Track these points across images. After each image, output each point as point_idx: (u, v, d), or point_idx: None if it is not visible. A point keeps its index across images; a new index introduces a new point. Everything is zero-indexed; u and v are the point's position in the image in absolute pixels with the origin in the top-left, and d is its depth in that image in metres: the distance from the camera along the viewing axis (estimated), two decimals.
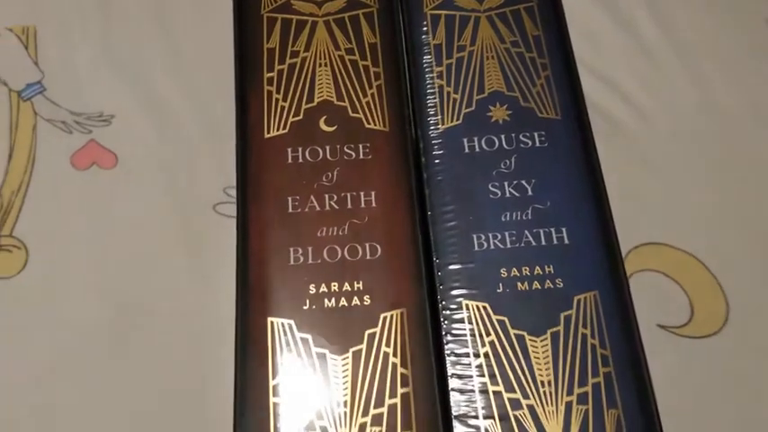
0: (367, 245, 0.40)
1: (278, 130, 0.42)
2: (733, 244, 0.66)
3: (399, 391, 0.36)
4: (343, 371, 0.37)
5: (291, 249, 0.39)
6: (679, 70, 0.71)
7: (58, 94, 0.69)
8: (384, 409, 0.36)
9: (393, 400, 0.36)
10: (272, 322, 0.38)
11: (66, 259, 0.61)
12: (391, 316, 0.38)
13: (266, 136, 0.42)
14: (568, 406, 0.36)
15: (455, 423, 0.36)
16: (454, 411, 0.36)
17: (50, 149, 0.66)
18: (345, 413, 0.36)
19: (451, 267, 0.40)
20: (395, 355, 0.37)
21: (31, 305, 0.60)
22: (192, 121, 0.67)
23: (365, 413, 0.36)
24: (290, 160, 0.41)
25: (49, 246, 0.62)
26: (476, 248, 0.40)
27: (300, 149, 0.41)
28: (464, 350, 0.38)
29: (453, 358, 0.37)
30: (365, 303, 0.38)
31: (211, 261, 0.60)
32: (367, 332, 0.38)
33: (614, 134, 0.69)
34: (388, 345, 0.37)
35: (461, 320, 0.39)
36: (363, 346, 0.37)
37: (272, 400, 0.36)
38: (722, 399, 0.60)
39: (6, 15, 0.72)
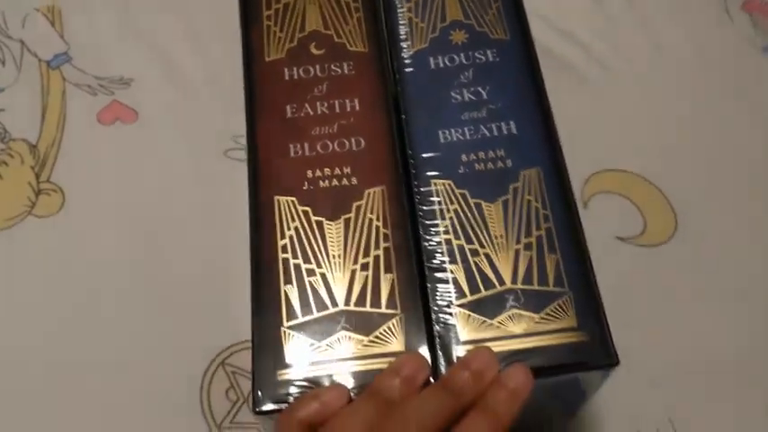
0: (353, 139, 0.49)
1: (276, 54, 0.52)
2: (679, 164, 0.76)
3: (382, 245, 0.46)
4: (337, 233, 0.47)
5: (291, 145, 0.49)
6: (628, 16, 0.81)
7: (83, 62, 0.78)
8: (370, 259, 0.46)
9: (377, 252, 0.46)
10: (278, 200, 0.48)
11: (97, 200, 0.70)
12: (374, 192, 0.48)
13: (267, 60, 0.52)
14: (516, 252, 0.46)
15: (426, 268, 0.46)
16: (425, 259, 0.46)
17: (78, 109, 0.75)
18: (339, 263, 0.46)
19: (423, 156, 0.50)
20: (377, 219, 0.47)
21: (69, 238, 0.69)
22: (204, 82, 0.77)
23: (355, 262, 0.46)
24: (286, 78, 0.51)
25: (81, 189, 0.71)
26: (441, 141, 0.50)
27: (295, 69, 0.52)
28: (433, 216, 0.48)
29: (426, 222, 0.47)
30: (353, 183, 0.48)
31: (224, 199, 0.69)
32: (355, 204, 0.48)
33: (566, 72, 0.79)
34: (371, 213, 0.47)
35: (431, 194, 0.48)
36: (352, 215, 0.47)
37: (280, 255, 0.46)
38: (674, 300, 0.68)
39: None
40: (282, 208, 0.48)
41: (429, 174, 0.49)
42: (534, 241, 0.47)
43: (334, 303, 0.45)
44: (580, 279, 0.45)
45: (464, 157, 0.49)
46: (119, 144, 0.74)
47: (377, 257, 0.46)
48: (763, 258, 0.70)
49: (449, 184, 0.48)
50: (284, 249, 0.46)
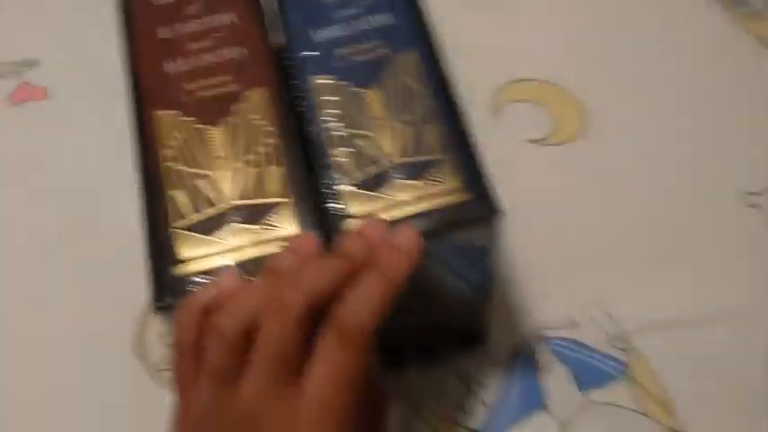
0: (229, 49, 0.50)
1: None
2: (588, 66, 0.79)
3: (266, 141, 0.47)
4: (220, 136, 0.48)
5: (167, 63, 0.50)
6: None
7: None
8: (255, 155, 0.47)
9: (261, 148, 0.47)
10: (158, 114, 0.48)
11: (16, 178, 0.73)
12: (254, 93, 0.49)
13: None
14: (397, 129, 0.47)
15: (312, 157, 0.47)
16: (311, 149, 0.47)
17: None
18: (225, 163, 0.47)
19: (301, 55, 0.51)
20: (261, 119, 0.48)
21: None
22: (106, 52, 0.78)
23: (240, 160, 0.47)
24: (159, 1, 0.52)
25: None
26: (318, 40, 0.51)
27: None
28: (315, 110, 0.49)
29: (308, 116, 0.48)
30: (233, 89, 0.49)
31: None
32: (236, 107, 0.48)
33: None
34: (254, 113, 0.48)
35: (312, 89, 0.49)
36: (234, 118, 0.48)
37: (164, 164, 0.47)
38: (585, 195, 0.71)
39: None
40: (164, 122, 0.48)
41: (308, 72, 0.50)
42: (414, 116, 0.47)
43: (223, 200, 0.46)
44: (459, 144, 0.46)
45: (341, 52, 0.50)
46: (31, 121, 0.76)
47: (261, 153, 0.47)
48: (663, 153, 0.73)
49: (327, 79, 0.49)
50: (167, 158, 0.47)
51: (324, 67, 0.50)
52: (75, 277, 0.67)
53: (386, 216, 0.44)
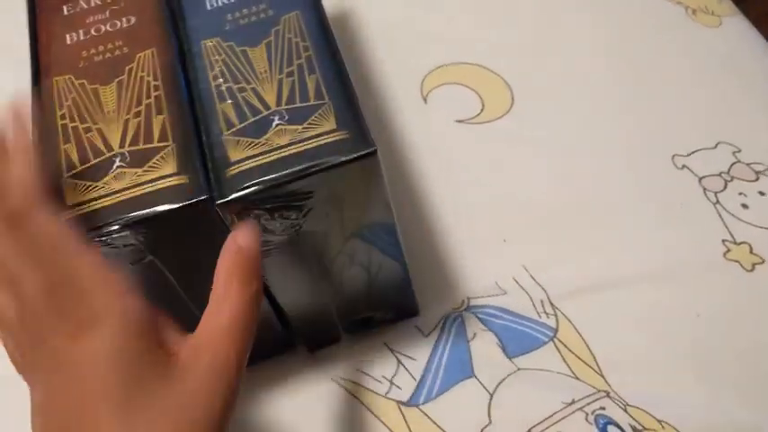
0: (123, 18, 0.53)
1: None
2: (514, 47, 0.82)
3: (153, 94, 0.50)
4: (111, 93, 0.50)
5: (68, 35, 0.53)
6: None
7: None
8: (142, 107, 0.49)
9: (148, 101, 0.50)
10: (56, 80, 0.51)
11: None
12: (144, 54, 0.51)
13: None
14: (280, 81, 0.50)
15: (197, 109, 0.50)
16: (197, 103, 0.50)
17: None
18: (113, 117, 0.49)
19: (191, 23, 0.54)
20: (148, 75, 0.51)
21: None
22: None
23: (128, 112, 0.49)
24: None
25: None
26: (208, 8, 0.54)
27: None
28: (203, 67, 0.52)
29: (197, 74, 0.51)
30: (125, 52, 0.52)
31: None
32: (127, 67, 0.51)
33: None
34: (143, 71, 0.50)
35: (200, 51, 0.52)
36: (125, 76, 0.51)
37: (59, 123, 0.50)
38: (508, 167, 0.74)
39: None
40: (60, 86, 0.51)
41: (198, 37, 0.53)
42: (295, 69, 0.49)
43: (110, 149, 0.48)
44: (338, 91, 0.49)
45: (229, 17, 0.53)
46: None
47: (148, 105, 0.49)
48: (592, 124, 0.77)
49: (216, 41, 0.52)
50: (62, 117, 0.49)
51: (213, 32, 0.53)
52: None
53: (265, 160, 0.47)
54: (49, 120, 0.49)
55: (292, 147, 0.47)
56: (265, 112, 0.48)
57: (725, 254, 0.67)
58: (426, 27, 0.84)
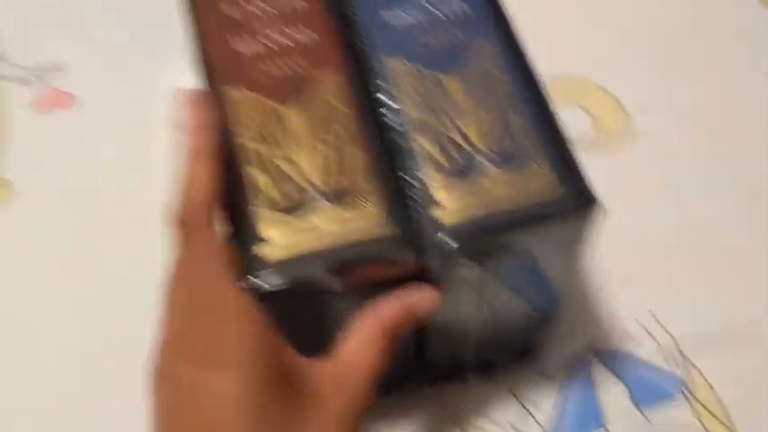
0: (302, 32, 0.49)
1: None
2: (631, 69, 0.77)
3: (341, 120, 0.46)
4: (295, 116, 0.46)
5: (239, 41, 0.49)
6: None
7: (13, 54, 0.78)
8: (330, 135, 0.45)
9: (336, 127, 0.46)
10: (230, 91, 0.47)
11: (46, 187, 0.71)
12: (326, 74, 0.48)
13: None
14: (482, 117, 0.46)
15: (391, 140, 0.45)
16: (392, 133, 0.46)
17: (14, 101, 0.75)
18: (301, 142, 0.45)
19: (373, 38, 0.50)
20: (333, 98, 0.47)
21: (20, 228, 0.69)
22: (136, 55, 0.78)
23: (317, 140, 0.45)
24: None
25: (28, 178, 0.71)
26: (392, 23, 0.50)
27: None
28: (393, 92, 0.47)
29: (385, 99, 0.47)
30: (305, 69, 0.48)
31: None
32: (310, 88, 0.47)
33: None
34: (329, 95, 0.47)
35: (385, 71, 0.48)
36: (309, 98, 0.47)
37: (239, 141, 0.45)
38: (632, 196, 0.68)
39: None
40: (236, 98, 0.46)
41: (382, 54, 0.48)
42: (497, 104, 0.46)
43: (304, 179, 0.44)
44: (548, 134, 0.45)
45: (417, 35, 0.49)
46: (60, 129, 0.74)
47: (337, 132, 0.45)
48: (707, 154, 0.73)
49: (402, 62, 0.48)
50: (241, 135, 0.45)
51: (398, 50, 0.48)
52: (98, 285, 0.65)
53: (482, 209, 0.42)
54: (228, 136, 0.45)
55: (508, 195, 0.43)
56: (472, 152, 0.44)
57: None
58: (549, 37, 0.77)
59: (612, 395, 0.61)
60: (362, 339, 0.41)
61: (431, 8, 0.49)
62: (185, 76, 0.66)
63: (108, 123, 0.73)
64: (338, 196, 0.43)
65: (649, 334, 0.64)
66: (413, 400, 0.61)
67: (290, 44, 0.48)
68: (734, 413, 0.60)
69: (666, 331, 0.64)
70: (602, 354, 0.63)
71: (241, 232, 0.42)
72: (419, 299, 0.43)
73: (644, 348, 0.63)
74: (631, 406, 0.61)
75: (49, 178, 0.70)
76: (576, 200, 0.43)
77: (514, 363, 0.61)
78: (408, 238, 0.42)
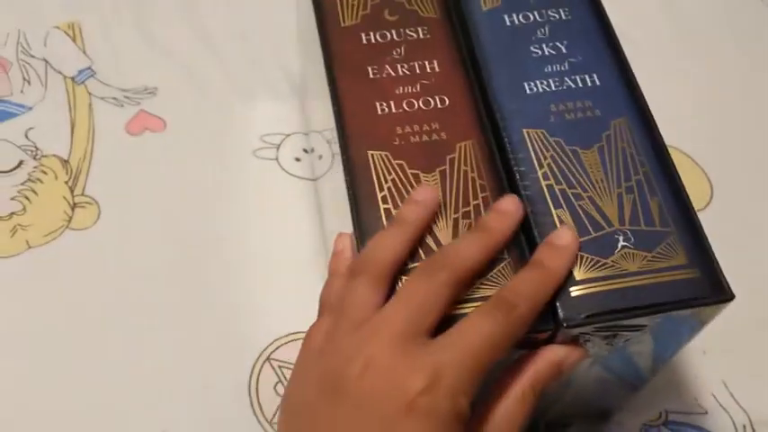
0: (437, 97, 0.49)
1: (351, 21, 0.52)
2: (713, 136, 0.78)
3: (480, 195, 0.46)
4: (434, 184, 0.46)
5: (377, 103, 0.49)
6: None
7: (107, 75, 0.79)
8: (470, 208, 0.45)
9: (476, 201, 0.45)
10: (371, 154, 0.47)
11: (132, 209, 0.70)
12: (464, 145, 0.47)
13: (342, 25, 0.52)
14: (619, 195, 0.46)
15: (531, 213, 0.45)
16: (529, 206, 0.46)
17: (106, 122, 0.75)
18: (441, 212, 0.45)
19: (510, 108, 0.49)
20: (472, 171, 0.47)
21: (107, 249, 0.69)
22: (226, 84, 0.79)
23: (456, 211, 0.45)
24: (364, 42, 0.51)
25: (116, 200, 0.71)
26: (528, 92, 0.50)
27: (372, 33, 0.51)
28: (530, 164, 0.47)
29: (523, 170, 0.47)
30: (442, 137, 0.48)
31: (257, 200, 0.72)
32: (448, 157, 0.47)
33: None
34: (465, 164, 0.46)
35: (524, 143, 0.48)
36: (447, 167, 0.47)
37: (382, 206, 0.46)
38: None
39: (51, 15, 0.82)
40: (377, 162, 0.47)
41: (519, 124, 0.49)
42: (635, 185, 0.46)
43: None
44: (684, 219, 0.45)
45: (553, 107, 0.49)
46: (149, 153, 0.75)
47: (476, 206, 0.46)
48: None
49: (541, 133, 0.48)
50: (384, 200, 0.46)
51: (537, 122, 0.49)
52: (189, 322, 0.65)
53: (614, 286, 0.44)
54: (368, 200, 0.46)
55: (642, 276, 0.44)
56: (608, 229, 0.45)
57: None
58: None
59: None
60: (511, 396, 0.42)
61: (566, 79, 0.50)
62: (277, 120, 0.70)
63: (195, 150, 0.75)
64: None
65: (721, 407, 0.64)
66: None
67: (426, 109, 0.50)
68: None
69: (739, 405, 0.64)
70: (674, 423, 0.63)
71: None
72: (567, 355, 0.43)
73: (716, 421, 0.63)
74: None
75: (135, 200, 0.71)
76: (711, 289, 0.44)
77: (589, 425, 0.61)
78: None
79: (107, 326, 0.64)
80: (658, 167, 0.47)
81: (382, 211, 0.45)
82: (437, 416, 0.37)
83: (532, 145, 0.48)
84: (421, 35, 0.51)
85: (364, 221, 0.45)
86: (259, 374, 0.62)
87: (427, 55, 0.51)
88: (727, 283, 0.43)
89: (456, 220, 0.45)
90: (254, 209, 0.71)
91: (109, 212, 0.71)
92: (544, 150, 0.47)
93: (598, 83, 0.50)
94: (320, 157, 0.67)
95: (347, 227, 0.45)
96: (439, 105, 0.49)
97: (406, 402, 0.37)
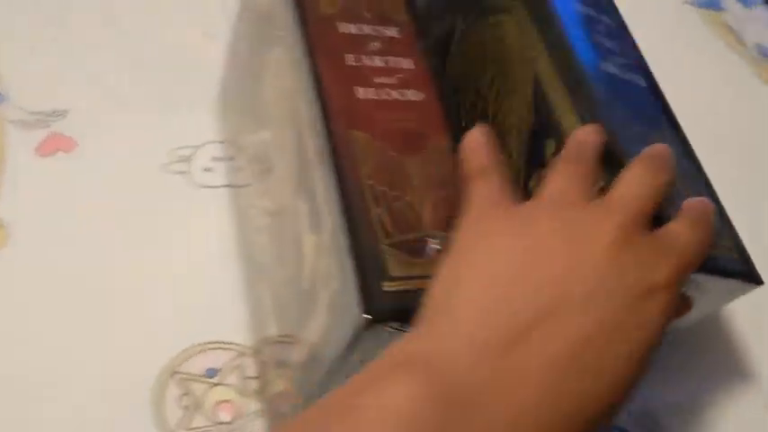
0: (412, 90, 0.52)
1: (329, 10, 0.54)
2: None
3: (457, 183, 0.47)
4: (414, 167, 0.48)
5: (357, 88, 0.50)
6: None
7: (17, 99, 0.76)
8: (449, 191, 0.47)
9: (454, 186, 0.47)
10: (352, 133, 0.48)
11: (44, 231, 0.68)
12: (437, 138, 0.50)
13: (321, 12, 0.53)
14: None
15: None
16: None
17: (17, 145, 0.73)
18: (422, 193, 0.47)
19: None
20: (447, 163, 0.49)
21: (17, 272, 0.65)
22: (137, 101, 0.78)
23: (432, 191, 0.47)
24: (340, 31, 0.53)
25: (27, 223, 0.68)
26: None
27: (349, 24, 0.53)
28: None
29: None
30: (418, 128, 0.50)
31: (170, 213, 0.70)
32: (423, 144, 0.49)
33: None
34: (441, 155, 0.49)
35: None
36: (425, 152, 0.49)
37: (365, 182, 0.46)
38: None
39: None
40: (360, 141, 0.47)
41: None
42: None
43: (423, 225, 0.45)
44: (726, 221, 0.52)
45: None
46: (60, 174, 0.72)
47: (456, 190, 0.47)
48: None
49: None
50: (368, 177, 0.46)
51: None
52: (97, 340, 0.63)
53: None
54: (353, 175, 0.46)
55: None
56: None
57: None
58: None
59: None
60: None
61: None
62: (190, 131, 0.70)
63: (106, 169, 0.72)
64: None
65: None
66: None
67: (403, 100, 0.50)
68: None
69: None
70: None
71: (367, 267, 0.43)
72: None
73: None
74: None
75: (45, 222, 0.68)
76: (749, 269, 0.49)
77: None
78: None
79: (14, 350, 0.61)
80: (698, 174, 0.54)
81: (366, 188, 0.46)
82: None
83: None
84: (396, 34, 0.53)
85: (349, 199, 0.45)
86: (165, 387, 0.60)
87: (402, 53, 0.53)
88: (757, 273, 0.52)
89: (436, 200, 0.47)
90: (164, 223, 0.69)
91: (18, 236, 0.67)
92: None
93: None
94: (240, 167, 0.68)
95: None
96: (414, 99, 0.51)
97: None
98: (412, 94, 0.51)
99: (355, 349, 0.43)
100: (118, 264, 0.67)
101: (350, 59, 0.51)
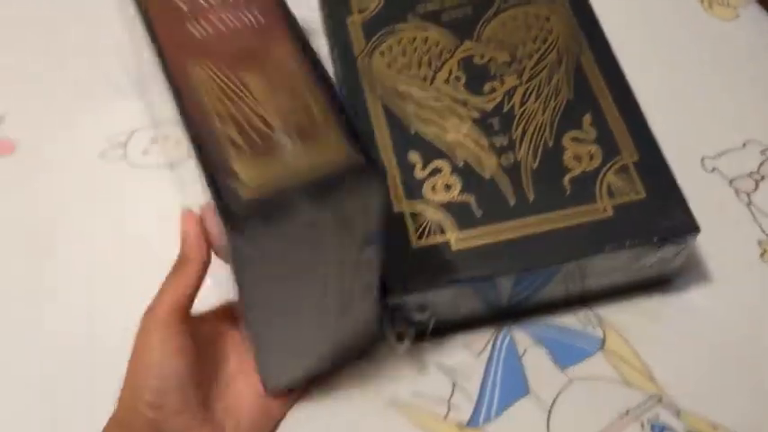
0: (250, 15, 0.53)
1: None
2: None
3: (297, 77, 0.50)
4: (257, 82, 0.50)
5: (191, 25, 0.52)
6: None
7: None
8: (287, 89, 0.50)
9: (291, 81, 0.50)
10: (193, 65, 0.50)
11: None
12: (279, 47, 0.52)
13: None
14: None
15: None
16: None
17: None
18: (268, 102, 0.49)
19: None
20: (293, 69, 0.51)
21: None
22: (70, 98, 0.80)
23: (279, 100, 0.49)
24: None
25: None
26: None
27: None
28: None
29: None
30: (259, 44, 0.52)
31: (107, 200, 0.73)
32: (266, 57, 0.51)
33: None
34: (286, 62, 0.51)
35: None
36: (266, 66, 0.51)
37: (208, 106, 0.48)
38: None
39: None
40: (198, 71, 0.50)
41: None
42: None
43: (269, 125, 0.47)
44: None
45: None
46: (1, 177, 0.75)
47: (294, 88, 0.50)
48: None
49: None
50: (208, 95, 0.49)
51: None
52: (34, 332, 0.66)
53: None
54: (197, 102, 0.47)
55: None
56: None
57: (761, 255, 0.68)
58: None
59: (535, 360, 0.63)
60: None
61: None
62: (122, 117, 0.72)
63: (45, 166, 0.75)
64: (302, 136, 0.46)
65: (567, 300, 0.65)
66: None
67: (240, 25, 0.52)
68: (649, 362, 0.63)
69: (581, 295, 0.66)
70: (524, 322, 0.65)
71: (215, 175, 0.45)
72: None
73: (562, 314, 0.65)
74: (554, 367, 0.63)
75: None
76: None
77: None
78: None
79: None
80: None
81: (204, 104, 0.47)
82: None
83: None
84: None
85: (196, 126, 0.47)
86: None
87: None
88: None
89: (277, 100, 0.48)
90: (105, 210, 0.72)
91: None
92: None
93: None
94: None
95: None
96: (253, 21, 0.52)
97: None
98: (252, 19, 0.53)
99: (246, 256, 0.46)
100: (59, 259, 0.70)
101: (185, 6, 0.54)
